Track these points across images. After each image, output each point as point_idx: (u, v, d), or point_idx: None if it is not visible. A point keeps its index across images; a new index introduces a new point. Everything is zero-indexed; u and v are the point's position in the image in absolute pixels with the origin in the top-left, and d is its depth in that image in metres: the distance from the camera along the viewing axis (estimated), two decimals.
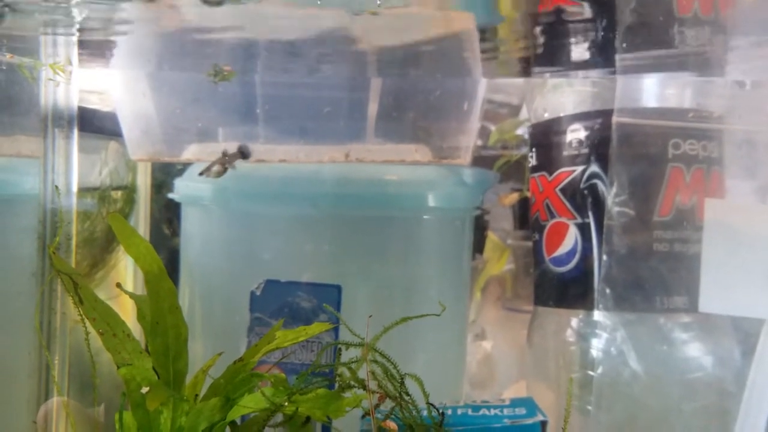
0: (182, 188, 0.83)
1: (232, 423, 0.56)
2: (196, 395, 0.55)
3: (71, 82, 0.73)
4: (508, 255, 1.03)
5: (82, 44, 0.72)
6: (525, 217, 0.95)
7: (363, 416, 0.55)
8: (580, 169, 0.76)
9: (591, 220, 0.75)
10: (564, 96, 0.79)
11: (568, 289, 0.76)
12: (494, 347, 1.01)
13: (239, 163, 0.78)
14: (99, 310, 0.53)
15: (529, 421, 0.63)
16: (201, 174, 0.75)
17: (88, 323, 0.53)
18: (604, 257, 0.73)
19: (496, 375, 1.00)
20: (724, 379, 0.71)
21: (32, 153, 0.71)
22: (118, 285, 0.57)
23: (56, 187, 0.69)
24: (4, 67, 0.73)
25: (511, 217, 1.04)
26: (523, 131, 1.01)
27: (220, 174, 0.75)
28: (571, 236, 0.76)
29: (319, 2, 0.59)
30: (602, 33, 0.67)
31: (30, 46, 0.72)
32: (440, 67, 0.80)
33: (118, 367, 0.53)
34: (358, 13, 0.61)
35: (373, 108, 0.78)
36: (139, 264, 0.54)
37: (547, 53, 0.73)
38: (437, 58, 0.78)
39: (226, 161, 0.74)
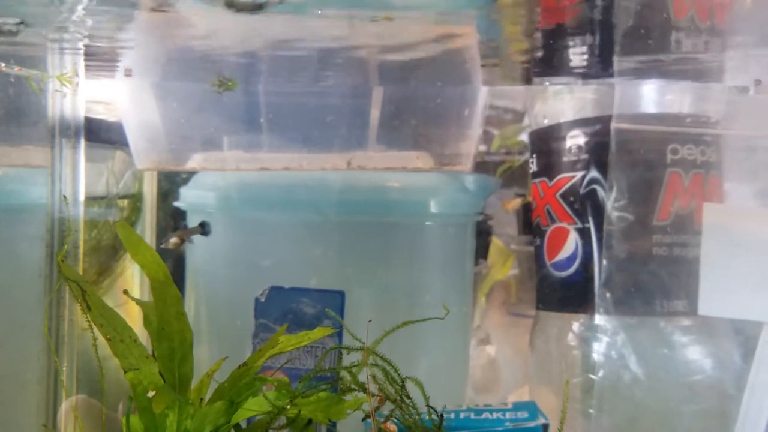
0: (188, 196, 0.84)
1: (237, 426, 0.56)
2: (201, 399, 0.56)
3: (78, 93, 0.74)
4: (512, 260, 1.03)
5: (88, 55, 0.73)
6: (529, 222, 0.96)
7: (363, 419, 0.56)
8: (579, 174, 0.76)
9: (591, 225, 0.76)
10: (563, 102, 0.80)
11: (569, 294, 0.77)
12: (498, 352, 1.01)
13: (243, 171, 0.79)
14: (106, 317, 0.54)
15: (531, 424, 0.64)
16: (161, 245, 0.78)
17: (96, 329, 0.54)
18: (604, 262, 0.73)
19: (500, 380, 1.00)
20: (724, 381, 0.72)
21: (40, 163, 0.72)
22: (125, 292, 0.58)
23: (64, 196, 0.70)
24: (13, 79, 0.74)
25: (515, 223, 1.05)
26: (525, 137, 1.02)
27: (177, 245, 0.79)
28: (572, 241, 0.77)
29: (319, 12, 0.60)
30: (600, 40, 0.68)
31: (37, 58, 0.73)
32: (441, 75, 0.81)
33: (126, 372, 0.54)
34: (375, 20, 0.62)
35: (374, 116, 0.79)
36: (146, 271, 0.55)
37: (547, 61, 0.73)
38: (438, 66, 0.79)
39: (185, 234, 0.78)
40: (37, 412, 0.69)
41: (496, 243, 1.03)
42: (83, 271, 0.73)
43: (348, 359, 0.58)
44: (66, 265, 0.56)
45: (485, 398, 0.96)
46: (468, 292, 0.87)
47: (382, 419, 0.55)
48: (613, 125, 0.73)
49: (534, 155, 0.82)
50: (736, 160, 0.77)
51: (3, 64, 0.73)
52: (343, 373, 0.55)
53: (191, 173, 0.85)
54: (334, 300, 0.73)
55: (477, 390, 0.97)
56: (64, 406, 0.67)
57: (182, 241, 0.79)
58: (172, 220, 0.91)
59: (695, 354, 0.73)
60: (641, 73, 0.73)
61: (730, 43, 0.70)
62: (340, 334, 0.71)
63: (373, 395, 0.53)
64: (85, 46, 0.70)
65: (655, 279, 0.72)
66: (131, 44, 0.72)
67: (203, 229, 0.80)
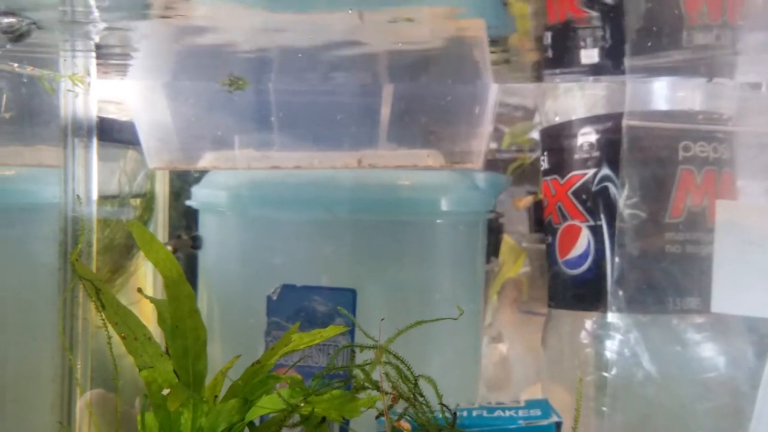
0: (199, 195, 0.85)
1: (251, 423, 0.57)
2: (216, 396, 0.56)
3: (90, 92, 0.74)
4: (524, 258, 1.03)
5: (99, 56, 0.73)
6: (540, 219, 0.96)
7: (377, 417, 0.56)
8: (591, 172, 0.76)
9: (603, 223, 0.75)
10: (575, 99, 0.80)
11: (581, 292, 0.77)
12: (510, 350, 1.01)
13: (254, 170, 0.79)
14: (121, 315, 0.55)
15: (544, 422, 0.63)
16: None
17: (110, 328, 0.55)
18: (617, 259, 0.73)
19: (512, 377, 1.00)
20: (737, 379, 0.72)
21: (53, 162, 0.73)
22: (139, 290, 0.59)
23: (78, 196, 0.70)
24: (25, 80, 0.74)
25: (527, 220, 1.04)
26: (536, 135, 1.02)
27: None
28: (584, 239, 0.77)
29: (350, 11, 0.60)
30: (611, 37, 0.68)
31: (49, 58, 0.73)
32: (451, 73, 0.81)
33: (140, 370, 0.54)
34: (394, 21, 0.62)
35: (385, 114, 0.79)
36: (159, 269, 0.56)
37: (558, 58, 0.73)
38: (448, 64, 0.79)
39: (177, 244, 0.79)
40: (51, 410, 0.70)
41: (507, 241, 1.03)
42: (96, 270, 0.74)
43: (359, 357, 0.58)
44: (80, 264, 0.56)
45: (497, 396, 0.96)
46: (479, 290, 0.87)
47: (396, 417, 0.55)
48: (625, 122, 0.73)
49: (545, 153, 0.82)
50: (749, 157, 0.77)
51: (16, 65, 0.73)
52: (356, 371, 0.55)
53: (203, 172, 0.85)
54: (346, 298, 0.74)
55: (489, 388, 0.97)
56: (83, 400, 0.67)
57: (175, 250, 0.80)
58: (184, 218, 0.92)
59: (708, 351, 0.73)
60: (652, 69, 0.73)
61: (742, 39, 0.70)
62: (352, 332, 0.71)
63: (387, 393, 0.53)
64: (97, 46, 0.71)
65: (667, 276, 0.72)
66: (143, 45, 0.72)
67: (194, 242, 0.81)
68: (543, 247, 0.85)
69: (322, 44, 0.71)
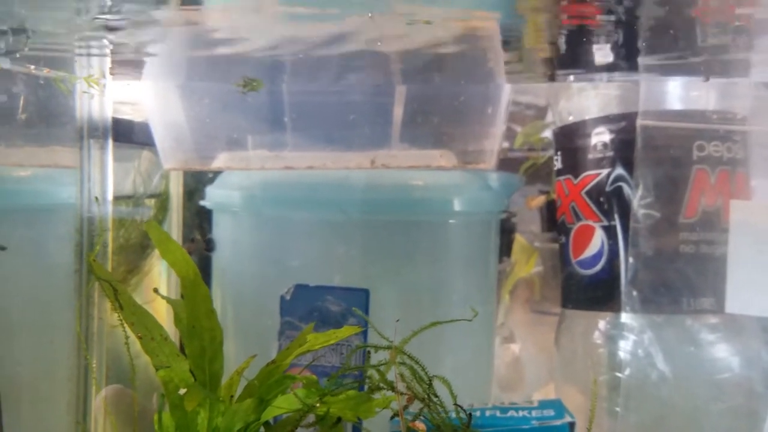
0: (213, 196, 0.85)
1: (266, 423, 0.57)
2: (232, 396, 0.57)
3: (105, 94, 0.74)
4: (536, 257, 1.03)
5: (114, 57, 0.74)
6: (553, 219, 0.95)
7: (392, 417, 0.56)
8: (605, 172, 0.76)
9: (617, 223, 0.75)
10: (588, 99, 0.80)
11: (595, 292, 0.77)
12: (523, 350, 1.01)
13: (268, 170, 0.80)
14: (138, 315, 0.55)
15: (557, 422, 0.63)
16: None
17: (127, 328, 0.55)
18: (631, 259, 0.73)
19: (524, 377, 1.00)
20: (751, 379, 0.71)
21: (69, 163, 0.73)
22: (156, 290, 0.59)
23: (96, 198, 0.71)
24: (42, 82, 0.75)
25: (539, 220, 1.04)
26: (548, 134, 1.02)
27: None
28: (598, 239, 0.76)
29: (369, 15, 0.61)
30: (625, 36, 0.68)
31: (65, 60, 0.74)
32: (464, 73, 0.81)
33: (157, 370, 0.55)
34: (412, 23, 0.62)
35: (397, 114, 0.79)
36: (176, 270, 0.56)
37: (571, 57, 0.73)
38: (461, 64, 0.79)
39: (191, 248, 0.79)
40: (67, 409, 0.70)
41: (519, 240, 1.03)
42: (112, 270, 0.74)
43: (374, 357, 0.58)
44: (98, 265, 0.57)
45: (510, 396, 0.96)
46: (492, 290, 0.87)
47: (411, 418, 0.55)
48: (639, 122, 0.73)
49: (558, 152, 0.82)
50: (763, 157, 0.77)
51: (32, 67, 0.74)
52: (371, 372, 0.55)
53: (217, 172, 0.85)
54: (359, 298, 0.74)
55: (502, 388, 0.97)
56: (100, 395, 0.68)
57: (189, 253, 0.81)
58: (198, 219, 0.92)
59: (722, 352, 0.73)
60: (666, 69, 0.73)
61: (757, 39, 0.69)
62: (364, 332, 0.72)
63: (402, 394, 0.53)
64: (112, 47, 0.71)
65: (681, 277, 0.72)
66: (157, 46, 0.73)
67: (208, 245, 0.81)
68: (555, 246, 0.85)
69: (335, 44, 0.71)
